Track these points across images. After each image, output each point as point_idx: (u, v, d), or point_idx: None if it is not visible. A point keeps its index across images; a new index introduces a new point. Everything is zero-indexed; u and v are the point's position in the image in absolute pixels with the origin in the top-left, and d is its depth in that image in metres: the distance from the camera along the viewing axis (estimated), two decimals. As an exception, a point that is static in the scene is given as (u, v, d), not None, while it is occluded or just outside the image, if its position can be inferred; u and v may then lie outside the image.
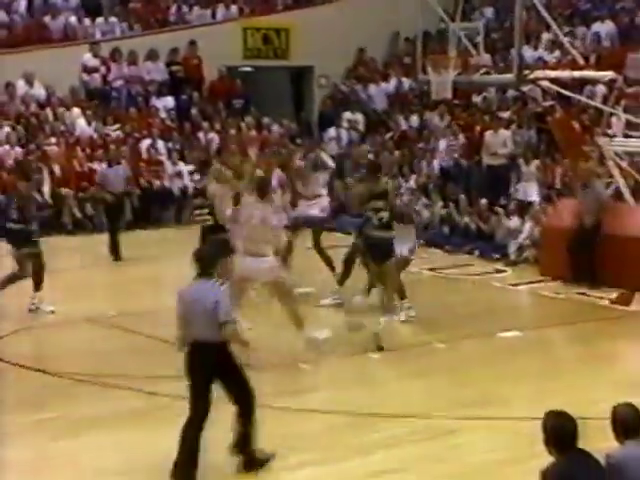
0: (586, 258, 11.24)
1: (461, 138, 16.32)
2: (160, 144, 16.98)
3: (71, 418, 7.25)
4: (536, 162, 14.54)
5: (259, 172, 10.66)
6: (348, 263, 10.43)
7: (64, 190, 15.73)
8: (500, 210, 13.57)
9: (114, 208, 13.61)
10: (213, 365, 6.05)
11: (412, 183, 15.78)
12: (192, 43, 18.48)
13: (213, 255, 6.24)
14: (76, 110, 17.16)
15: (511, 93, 16.62)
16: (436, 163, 16.18)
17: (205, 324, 5.98)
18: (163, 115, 17.83)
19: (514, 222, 13.28)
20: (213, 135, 17.65)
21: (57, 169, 16.04)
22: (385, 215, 9.12)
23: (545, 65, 15.57)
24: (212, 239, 8.78)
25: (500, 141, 15.29)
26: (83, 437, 6.91)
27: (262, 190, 8.74)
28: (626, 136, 12.93)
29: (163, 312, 10.50)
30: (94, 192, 14.78)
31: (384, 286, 9.19)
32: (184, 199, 16.40)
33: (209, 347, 6.02)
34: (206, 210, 10.13)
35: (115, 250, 13.29)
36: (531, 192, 14.26)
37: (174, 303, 10.86)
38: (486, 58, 14.26)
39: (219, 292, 6.06)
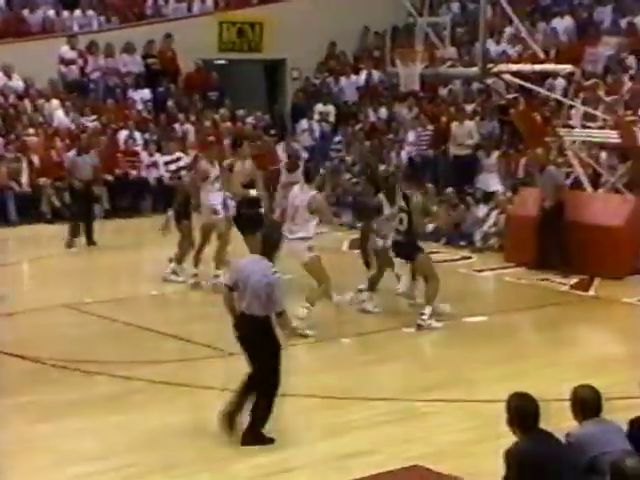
0: (552, 241, 11.19)
1: (428, 129, 16.26)
2: (137, 135, 16.77)
3: (48, 403, 7.12)
4: (496, 153, 14.52)
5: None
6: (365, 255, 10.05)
7: (42, 180, 15.50)
8: (469, 199, 13.52)
9: (82, 195, 13.39)
10: (254, 337, 6.20)
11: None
12: (168, 36, 18.25)
13: (277, 242, 6.51)
14: (55, 102, 16.91)
15: (476, 86, 16.59)
16: (404, 153, 16.11)
17: (253, 299, 6.18)
18: (140, 107, 17.61)
19: (482, 210, 13.24)
20: (188, 126, 17.47)
21: (36, 159, 15.80)
22: (404, 217, 9.19)
23: (508, 59, 15.54)
24: (268, 223, 8.77)
25: (465, 132, 15.25)
26: (60, 421, 6.78)
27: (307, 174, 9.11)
28: (584, 127, 12.94)
29: (139, 299, 10.44)
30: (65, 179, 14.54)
31: (426, 279, 9.28)
32: (160, 189, 16.22)
33: (253, 320, 6.18)
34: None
35: (88, 236, 13.14)
36: (492, 183, 14.23)
37: (150, 290, 10.83)
38: (452, 51, 14.22)
39: (275, 279, 6.22)
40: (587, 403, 4.72)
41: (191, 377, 7.60)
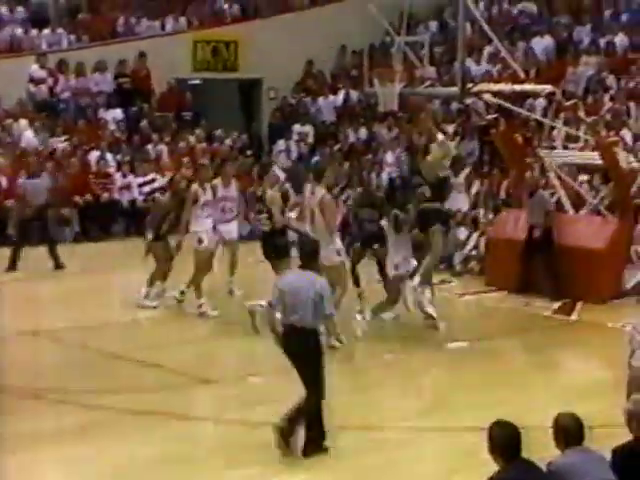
0: (542, 267, 11.20)
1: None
2: (109, 156, 16.73)
3: (14, 434, 7.01)
4: (465, 172, 14.61)
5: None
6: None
7: (9, 202, 15.39)
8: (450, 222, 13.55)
9: (31, 220, 13.27)
10: (305, 349, 6.46)
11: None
12: (141, 55, 18.27)
13: (314, 250, 6.81)
14: (23, 122, 16.84)
15: (455, 106, 16.73)
16: (385, 175, 16.18)
17: (305, 311, 6.44)
18: (112, 127, 17.57)
19: (462, 233, 13.28)
20: (162, 147, 17.45)
21: (3, 181, 15.70)
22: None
23: (488, 78, 15.69)
24: (306, 238, 8.73)
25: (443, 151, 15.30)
26: (26, 453, 6.68)
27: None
28: (565, 148, 13.07)
29: (111, 325, 10.35)
30: (15, 205, 14.36)
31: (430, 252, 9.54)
32: (133, 211, 16.16)
33: (305, 332, 6.44)
34: (265, 215, 10.16)
35: (55, 260, 13.10)
36: (459, 202, 14.30)
37: (121, 316, 10.75)
38: (431, 71, 14.34)
39: (323, 284, 6.56)
40: (569, 431, 4.73)
41: (166, 406, 7.54)
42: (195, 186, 10.80)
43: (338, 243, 9.28)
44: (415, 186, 10.37)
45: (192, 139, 17.86)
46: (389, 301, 9.77)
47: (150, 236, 11.00)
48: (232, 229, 11.24)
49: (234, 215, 11.16)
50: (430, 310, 9.92)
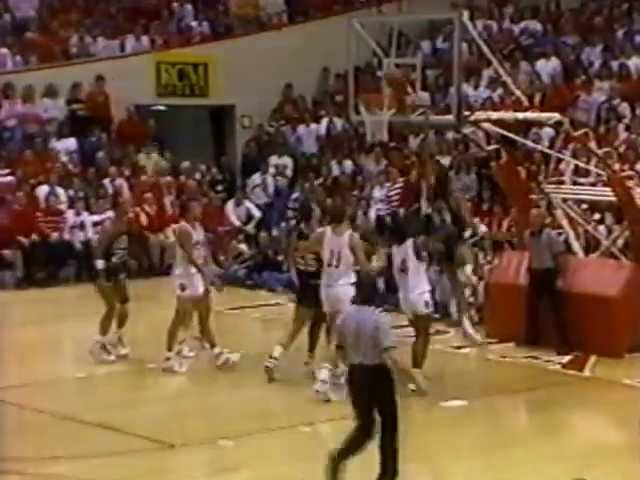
0: (550, 316, 11.28)
1: (398, 184, 16.56)
2: (60, 191, 16.80)
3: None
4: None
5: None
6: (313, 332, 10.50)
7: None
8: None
9: None
10: (370, 387, 7.00)
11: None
12: (99, 78, 18.44)
13: (373, 284, 7.63)
14: (-39, 152, 16.94)
15: (451, 135, 16.98)
16: (372, 212, 16.35)
17: (367, 348, 7.03)
18: (64, 159, 17.67)
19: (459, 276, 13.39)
20: (121, 182, 17.55)
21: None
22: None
23: (488, 105, 15.96)
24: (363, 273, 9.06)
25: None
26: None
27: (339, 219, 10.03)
28: (574, 183, 13.29)
29: (59, 383, 10.37)
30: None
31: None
32: (86, 253, 16.21)
33: (369, 370, 6.99)
34: (313, 255, 10.31)
35: None
36: None
37: (73, 372, 10.74)
38: (424, 97, 14.57)
39: (380, 317, 7.19)
40: None
41: (125, 474, 7.56)
42: (184, 224, 10.84)
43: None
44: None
45: (154, 158, 17.98)
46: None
47: (100, 266, 11.00)
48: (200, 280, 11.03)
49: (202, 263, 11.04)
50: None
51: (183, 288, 10.62)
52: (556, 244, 11.88)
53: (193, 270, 10.59)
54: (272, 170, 18.56)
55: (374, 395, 7.06)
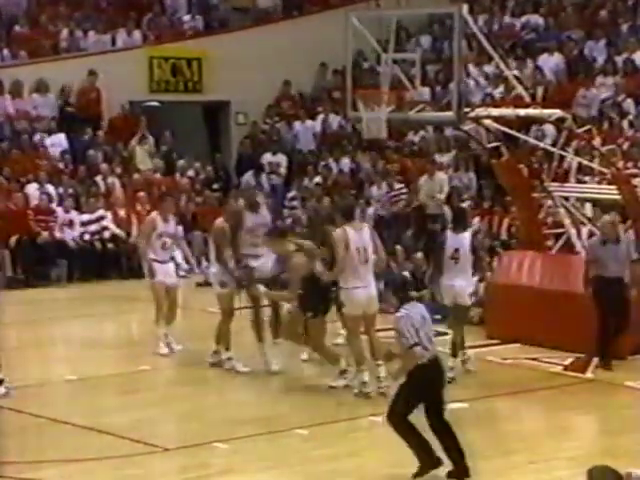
0: (614, 330, 10.91)
1: (396, 185, 16.62)
2: (50, 189, 16.83)
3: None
4: (464, 205, 14.87)
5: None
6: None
7: None
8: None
9: None
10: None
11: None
12: (91, 74, 18.46)
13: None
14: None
15: (451, 132, 17.03)
16: (371, 211, 16.39)
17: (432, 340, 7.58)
18: (54, 156, 17.69)
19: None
20: (114, 179, 17.57)
21: None
22: None
23: (488, 102, 16.01)
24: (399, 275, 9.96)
25: (437, 186, 15.62)
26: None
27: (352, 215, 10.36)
28: (578, 181, 13.34)
29: (50, 386, 10.40)
30: None
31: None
32: (80, 253, 16.27)
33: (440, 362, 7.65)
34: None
35: None
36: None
37: (64, 374, 10.77)
38: (423, 93, 14.63)
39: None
40: None
41: (115, 478, 7.61)
42: (154, 214, 11.60)
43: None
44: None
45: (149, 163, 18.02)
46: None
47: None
48: (170, 271, 11.67)
49: (170, 256, 11.76)
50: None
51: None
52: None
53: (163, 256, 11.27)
54: (266, 169, 18.58)
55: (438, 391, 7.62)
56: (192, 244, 17.13)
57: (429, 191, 15.72)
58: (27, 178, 16.98)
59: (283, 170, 18.74)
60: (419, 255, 14.20)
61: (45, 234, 16.25)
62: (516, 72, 16.47)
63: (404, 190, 16.59)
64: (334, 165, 18.30)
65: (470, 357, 10.90)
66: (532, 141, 13.92)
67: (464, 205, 14.82)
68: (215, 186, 18.38)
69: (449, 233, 10.80)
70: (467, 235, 10.68)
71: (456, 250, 10.50)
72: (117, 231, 16.68)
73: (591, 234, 12.83)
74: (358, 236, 9.84)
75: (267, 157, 18.85)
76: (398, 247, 14.79)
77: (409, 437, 7.46)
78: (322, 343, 10.18)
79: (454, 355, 10.56)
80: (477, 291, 10.77)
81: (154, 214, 11.73)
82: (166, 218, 11.59)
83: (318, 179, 17.97)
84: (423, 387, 7.46)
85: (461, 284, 10.55)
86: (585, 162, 13.39)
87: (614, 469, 4.80)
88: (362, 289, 9.78)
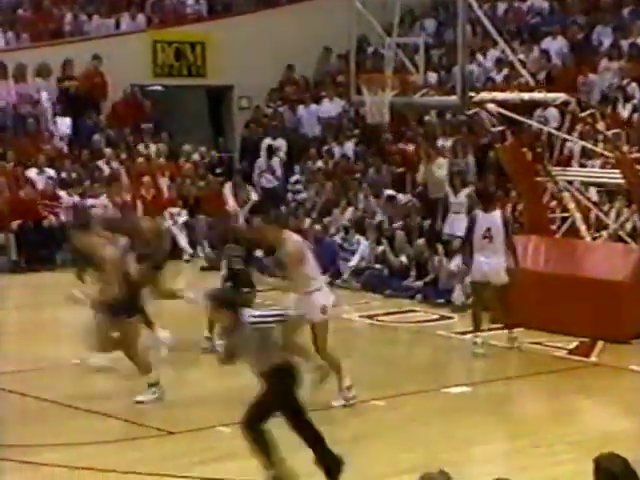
0: None
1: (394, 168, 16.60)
2: (54, 174, 16.80)
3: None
4: (466, 191, 14.85)
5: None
6: None
7: None
8: (440, 250, 13.73)
9: None
10: None
11: (347, 218, 15.95)
12: (95, 57, 18.40)
13: None
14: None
15: (451, 117, 16.95)
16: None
17: None
18: (56, 140, 17.65)
19: (458, 263, 13.43)
20: (118, 164, 17.54)
21: None
22: None
23: (492, 86, 15.96)
24: None
25: (438, 171, 15.57)
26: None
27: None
28: (581, 165, 13.29)
29: (56, 369, 10.41)
30: None
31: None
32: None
33: None
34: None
35: None
36: (460, 226, 14.48)
37: (70, 357, 10.77)
38: (427, 77, 14.59)
39: None
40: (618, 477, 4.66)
41: (118, 461, 7.61)
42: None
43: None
44: None
45: (152, 155, 17.99)
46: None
47: None
48: None
49: None
50: None
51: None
52: None
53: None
54: (264, 153, 18.53)
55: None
56: (195, 228, 17.17)
57: (430, 176, 15.68)
58: (31, 162, 16.93)
59: (283, 155, 18.69)
60: (421, 241, 14.18)
61: (51, 218, 16.23)
62: (522, 56, 16.46)
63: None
64: (337, 149, 18.24)
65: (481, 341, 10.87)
66: (536, 125, 13.86)
67: (468, 189, 14.78)
68: (218, 170, 18.35)
69: (480, 213, 10.98)
70: (498, 214, 10.92)
71: (488, 229, 10.73)
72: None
73: (597, 219, 12.81)
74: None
75: (267, 141, 18.77)
76: (398, 232, 14.78)
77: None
78: (136, 349, 9.39)
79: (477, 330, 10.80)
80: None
81: None
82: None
83: (320, 164, 17.93)
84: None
85: (497, 262, 10.75)
86: (589, 146, 13.33)
87: (619, 455, 4.74)
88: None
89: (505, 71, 16.77)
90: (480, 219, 10.89)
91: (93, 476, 7.39)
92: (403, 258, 14.13)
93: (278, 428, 6.98)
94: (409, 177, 16.55)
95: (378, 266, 14.53)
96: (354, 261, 14.66)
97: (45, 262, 15.94)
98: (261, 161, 18.45)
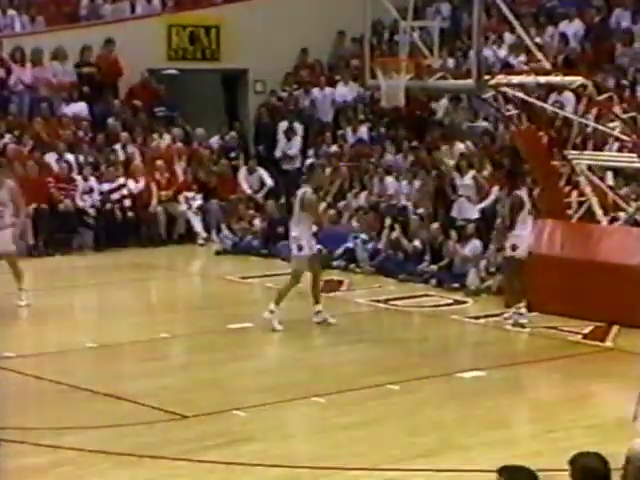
0: None
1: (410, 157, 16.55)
2: (70, 158, 16.81)
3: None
4: (472, 173, 14.80)
5: None
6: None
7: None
8: (453, 235, 13.68)
9: None
10: None
11: (363, 201, 15.92)
12: (109, 41, 18.38)
13: None
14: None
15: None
16: (390, 180, 16.28)
17: None
18: (73, 125, 17.64)
19: (472, 247, 13.38)
20: (133, 148, 17.53)
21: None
22: None
23: (508, 70, 15.86)
24: None
25: (454, 155, 15.51)
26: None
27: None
28: (598, 149, 13.20)
29: (71, 352, 10.47)
30: None
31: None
32: (98, 221, 16.29)
33: None
34: None
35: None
36: (467, 209, 14.42)
37: (85, 341, 10.85)
38: (442, 61, 14.51)
39: None
40: (594, 476, 4.67)
41: (136, 445, 7.64)
42: None
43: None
44: None
45: (167, 139, 17.98)
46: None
47: None
48: (6, 239, 11.98)
49: (6, 223, 11.99)
50: None
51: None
52: None
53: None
54: (281, 136, 18.47)
55: None
56: (209, 213, 17.17)
57: (446, 160, 15.64)
58: (48, 146, 16.93)
59: (299, 138, 18.63)
60: (435, 225, 14.14)
61: (67, 202, 16.23)
62: (539, 39, 16.34)
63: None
64: (350, 134, 18.17)
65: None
66: (551, 109, 13.77)
67: (473, 171, 14.83)
68: (232, 154, 18.32)
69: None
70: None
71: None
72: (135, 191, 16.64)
73: (614, 203, 12.74)
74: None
75: (283, 125, 18.71)
76: (414, 217, 14.74)
77: None
78: None
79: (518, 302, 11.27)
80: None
81: None
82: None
83: (335, 148, 17.87)
84: None
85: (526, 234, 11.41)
86: (606, 129, 13.22)
87: (599, 454, 4.67)
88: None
89: (522, 56, 16.65)
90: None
91: (109, 459, 7.42)
92: (417, 243, 14.08)
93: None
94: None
95: (391, 250, 14.48)
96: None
97: (61, 246, 15.97)
98: (282, 144, 18.39)
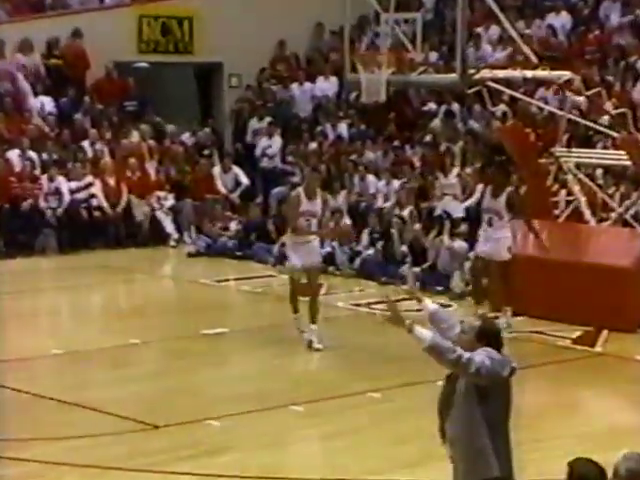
0: None
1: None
2: (34, 155, 16.69)
3: None
4: (456, 170, 14.83)
5: None
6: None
7: None
8: (447, 225, 13.69)
9: None
10: None
11: (341, 201, 15.90)
12: (75, 33, 18.29)
13: None
14: None
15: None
16: (371, 178, 16.30)
17: None
18: (38, 119, 17.53)
19: (458, 246, 13.41)
20: (102, 145, 17.43)
21: None
22: None
23: (494, 64, 15.91)
24: None
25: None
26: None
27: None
28: (587, 146, 13.27)
29: (36, 360, 10.39)
30: None
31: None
32: (67, 222, 16.17)
33: None
34: None
35: None
36: (452, 207, 14.44)
37: (50, 348, 10.76)
38: (424, 55, 14.53)
39: None
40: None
41: (102, 457, 7.60)
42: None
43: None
44: None
45: (136, 135, 17.90)
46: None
47: None
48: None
49: None
50: None
51: (287, 257, 11.00)
52: None
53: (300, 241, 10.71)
54: (251, 134, 18.44)
55: None
56: (182, 213, 17.10)
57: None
58: (10, 143, 16.79)
59: (278, 137, 18.56)
60: (417, 226, 14.16)
61: (29, 202, 16.11)
62: (528, 31, 16.40)
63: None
64: (330, 131, 18.16)
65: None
66: (538, 104, 13.84)
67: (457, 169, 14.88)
68: (206, 152, 18.26)
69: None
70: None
71: None
72: (104, 204, 16.49)
73: (604, 203, 12.80)
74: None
75: (267, 120, 18.64)
76: (395, 219, 14.76)
77: None
78: None
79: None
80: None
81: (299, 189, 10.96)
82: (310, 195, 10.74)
83: (314, 145, 17.85)
84: None
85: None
86: (594, 126, 13.30)
87: (595, 462, 4.73)
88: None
89: (508, 49, 16.70)
90: None
91: (74, 472, 7.38)
92: (404, 248, 14.08)
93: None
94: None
95: (371, 252, 14.47)
96: None
97: (23, 247, 15.82)
98: (263, 142, 18.34)
